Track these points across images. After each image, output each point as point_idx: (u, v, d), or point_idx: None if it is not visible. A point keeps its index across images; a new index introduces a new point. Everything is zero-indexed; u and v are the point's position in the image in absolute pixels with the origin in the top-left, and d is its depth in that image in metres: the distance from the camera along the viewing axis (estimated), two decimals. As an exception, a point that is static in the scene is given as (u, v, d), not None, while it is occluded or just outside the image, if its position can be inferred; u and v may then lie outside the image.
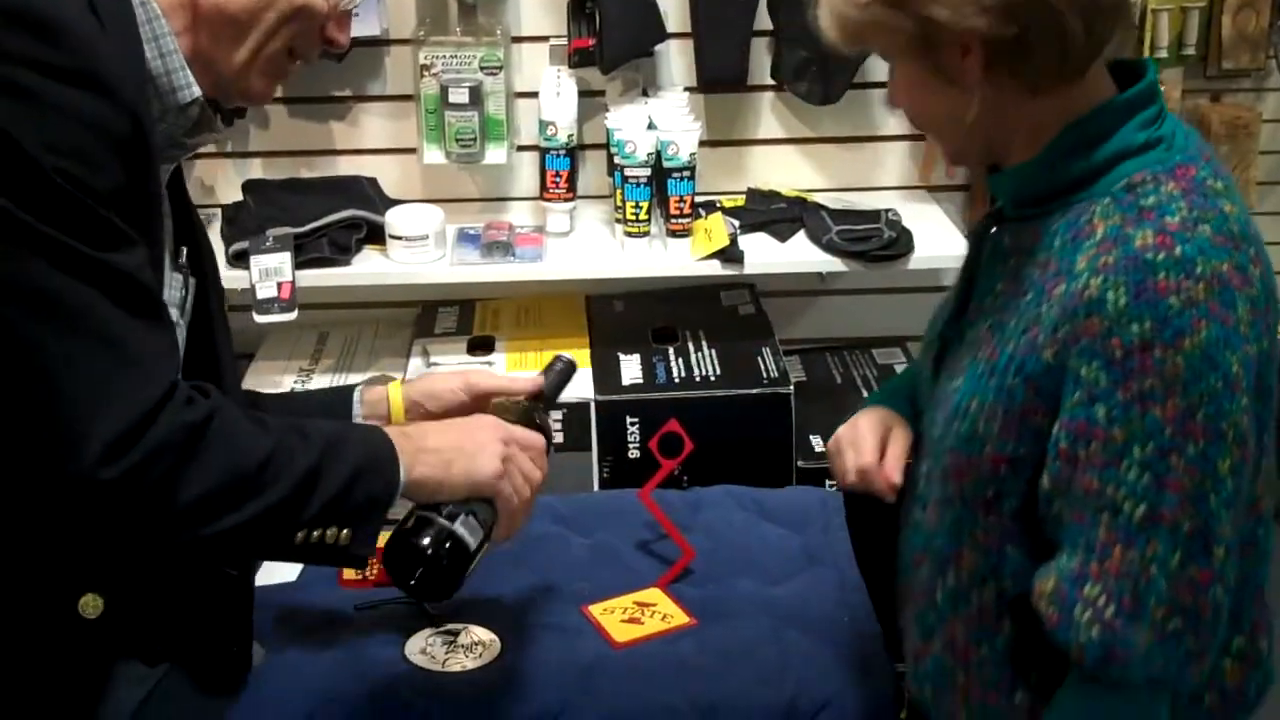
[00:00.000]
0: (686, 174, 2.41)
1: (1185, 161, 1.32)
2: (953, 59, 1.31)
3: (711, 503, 2.07)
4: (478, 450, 1.46)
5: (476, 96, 2.49)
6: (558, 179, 2.48)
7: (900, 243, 2.46)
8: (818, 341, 2.79)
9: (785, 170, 2.72)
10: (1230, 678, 1.39)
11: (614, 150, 2.43)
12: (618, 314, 2.68)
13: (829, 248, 2.47)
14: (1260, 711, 1.46)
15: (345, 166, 2.66)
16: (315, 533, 1.34)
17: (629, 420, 2.34)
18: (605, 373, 2.43)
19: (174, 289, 1.44)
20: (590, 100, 2.58)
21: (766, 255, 2.48)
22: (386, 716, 1.63)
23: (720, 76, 2.56)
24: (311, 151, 2.66)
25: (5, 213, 1.18)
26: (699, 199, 2.49)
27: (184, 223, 1.47)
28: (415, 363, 2.50)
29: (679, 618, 1.79)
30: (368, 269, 2.45)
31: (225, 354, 1.56)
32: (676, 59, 2.62)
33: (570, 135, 2.47)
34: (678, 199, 2.42)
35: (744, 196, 2.66)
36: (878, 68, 2.61)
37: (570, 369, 1.78)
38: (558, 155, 2.47)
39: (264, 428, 1.34)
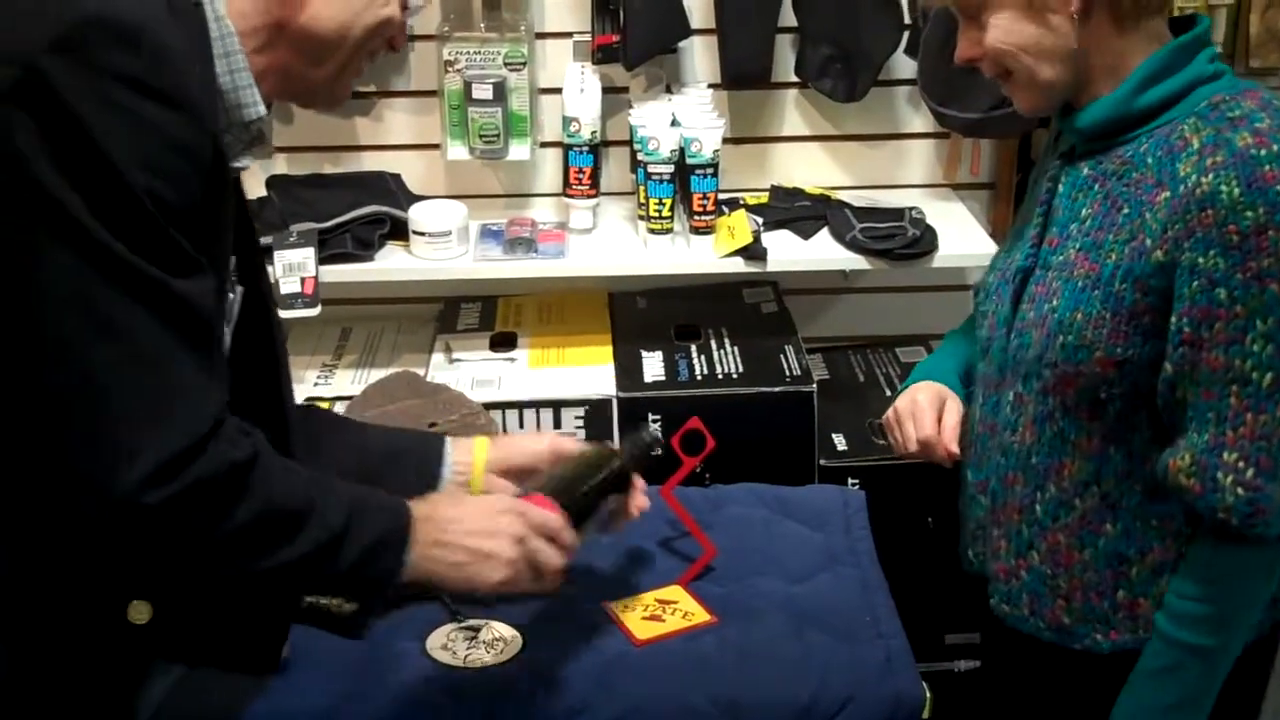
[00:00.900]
0: (710, 171, 2.41)
1: (1249, 86, 1.50)
2: None
3: (733, 500, 2.07)
4: (490, 554, 1.47)
5: (500, 92, 2.49)
6: (581, 175, 2.49)
7: (924, 241, 2.46)
8: (841, 340, 2.79)
9: (809, 167, 2.71)
10: None
11: (637, 147, 2.43)
12: (640, 311, 2.68)
13: (853, 245, 2.47)
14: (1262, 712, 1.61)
15: (369, 162, 2.67)
16: (322, 600, 1.36)
17: (651, 417, 2.34)
18: (627, 370, 2.43)
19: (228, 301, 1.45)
20: (614, 96, 2.59)
21: (790, 253, 2.48)
22: (408, 712, 1.64)
23: (744, 73, 2.55)
24: (335, 147, 2.67)
25: (82, 228, 1.18)
26: (722, 196, 2.49)
27: (239, 232, 1.47)
28: (437, 358, 2.50)
29: (700, 615, 1.79)
30: (391, 264, 2.45)
31: (281, 359, 1.56)
32: (700, 55, 2.61)
33: (594, 131, 2.47)
34: (701, 196, 2.42)
35: (767, 194, 2.66)
36: (902, 65, 2.60)
37: (654, 446, 1.78)
38: (581, 151, 2.47)
39: (300, 478, 1.35)
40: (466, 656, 1.72)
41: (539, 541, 1.51)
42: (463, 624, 1.78)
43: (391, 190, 2.56)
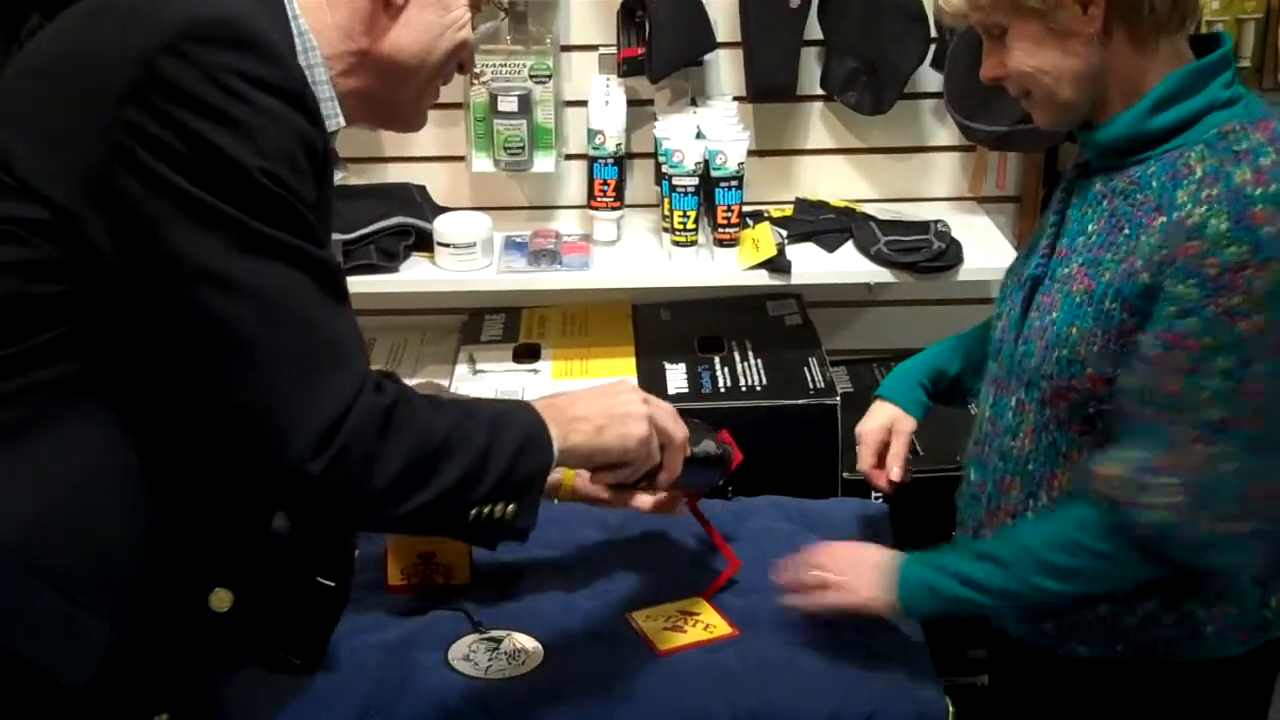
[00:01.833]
0: (734, 183, 2.41)
1: (1264, 116, 1.49)
2: (1073, 12, 1.47)
3: (756, 513, 2.07)
4: (626, 414, 1.53)
5: (525, 105, 2.50)
6: (605, 187, 2.49)
7: (949, 254, 2.45)
8: (865, 353, 2.78)
9: (834, 180, 2.71)
10: None
11: (662, 159, 2.44)
12: (664, 323, 2.68)
13: (877, 258, 2.47)
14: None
15: (394, 174, 2.68)
16: (486, 509, 1.39)
17: (674, 429, 2.34)
18: (651, 382, 2.43)
19: None
20: (639, 109, 2.59)
21: (814, 265, 2.48)
22: (429, 722, 1.64)
23: (769, 86, 2.56)
24: (361, 159, 2.68)
25: (220, 214, 1.22)
26: (747, 208, 2.49)
27: None
28: (461, 369, 2.51)
29: (721, 628, 1.79)
30: (415, 276, 2.46)
31: None
32: (726, 68, 2.62)
33: (618, 144, 2.47)
34: (725, 208, 2.42)
35: (792, 206, 2.66)
36: (927, 78, 2.60)
37: (723, 460, 1.82)
38: (605, 164, 2.48)
39: (440, 409, 1.39)
40: (488, 668, 1.72)
41: (661, 409, 1.58)
42: (484, 635, 1.78)
43: (417, 202, 2.57)
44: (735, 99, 2.59)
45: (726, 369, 2.47)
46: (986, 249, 2.51)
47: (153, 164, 1.21)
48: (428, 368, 2.58)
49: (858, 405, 2.51)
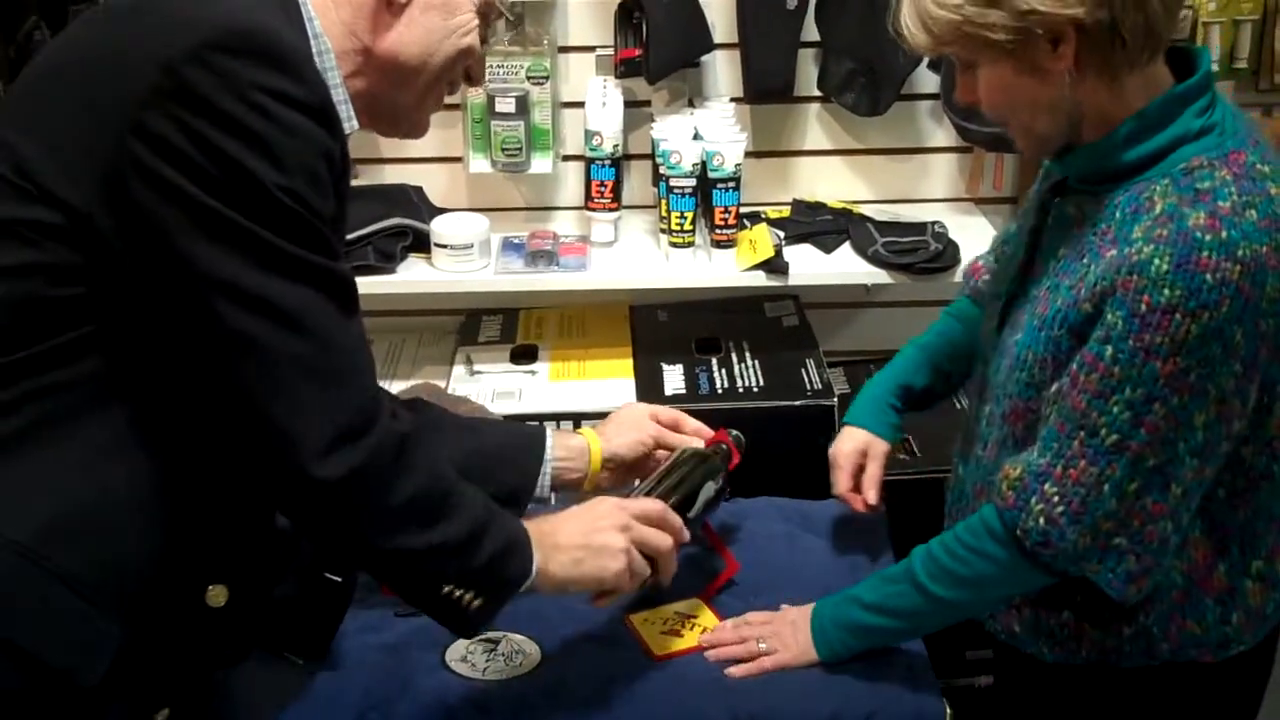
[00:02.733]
0: (732, 184, 2.41)
1: (1236, 147, 1.46)
2: (1043, 50, 1.42)
3: (755, 515, 2.07)
4: (603, 547, 1.54)
5: (523, 106, 2.50)
6: (603, 189, 2.49)
7: (946, 255, 2.45)
8: (862, 354, 2.78)
9: (831, 181, 2.71)
10: (1253, 598, 1.58)
11: (659, 160, 2.44)
12: (661, 324, 2.68)
13: (874, 259, 2.46)
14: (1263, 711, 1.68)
15: (392, 175, 2.68)
16: (459, 592, 1.40)
17: (672, 431, 2.34)
18: (648, 383, 2.43)
19: None
20: (636, 110, 2.59)
21: (811, 266, 2.48)
22: (427, 724, 1.64)
23: (766, 87, 2.55)
24: (358, 160, 2.67)
25: (237, 227, 1.23)
26: (744, 210, 2.49)
27: None
28: (458, 370, 2.51)
29: (720, 630, 1.78)
30: (413, 277, 2.46)
31: None
32: (723, 69, 2.62)
33: (616, 145, 2.47)
34: (723, 209, 2.42)
35: (789, 207, 2.66)
36: (925, 79, 2.60)
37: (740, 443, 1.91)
38: (603, 165, 2.47)
39: (446, 463, 1.41)
40: (485, 669, 1.72)
41: (644, 527, 1.57)
42: (482, 636, 1.78)
43: (414, 203, 2.57)
44: (732, 100, 2.58)
45: (724, 370, 2.47)
46: (984, 249, 2.50)
47: (168, 172, 1.21)
48: (425, 369, 2.58)
49: (855, 406, 2.53)
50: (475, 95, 2.51)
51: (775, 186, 2.70)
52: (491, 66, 2.50)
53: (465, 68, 1.49)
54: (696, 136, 2.43)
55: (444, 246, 2.43)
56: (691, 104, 2.60)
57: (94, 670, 1.31)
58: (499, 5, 1.52)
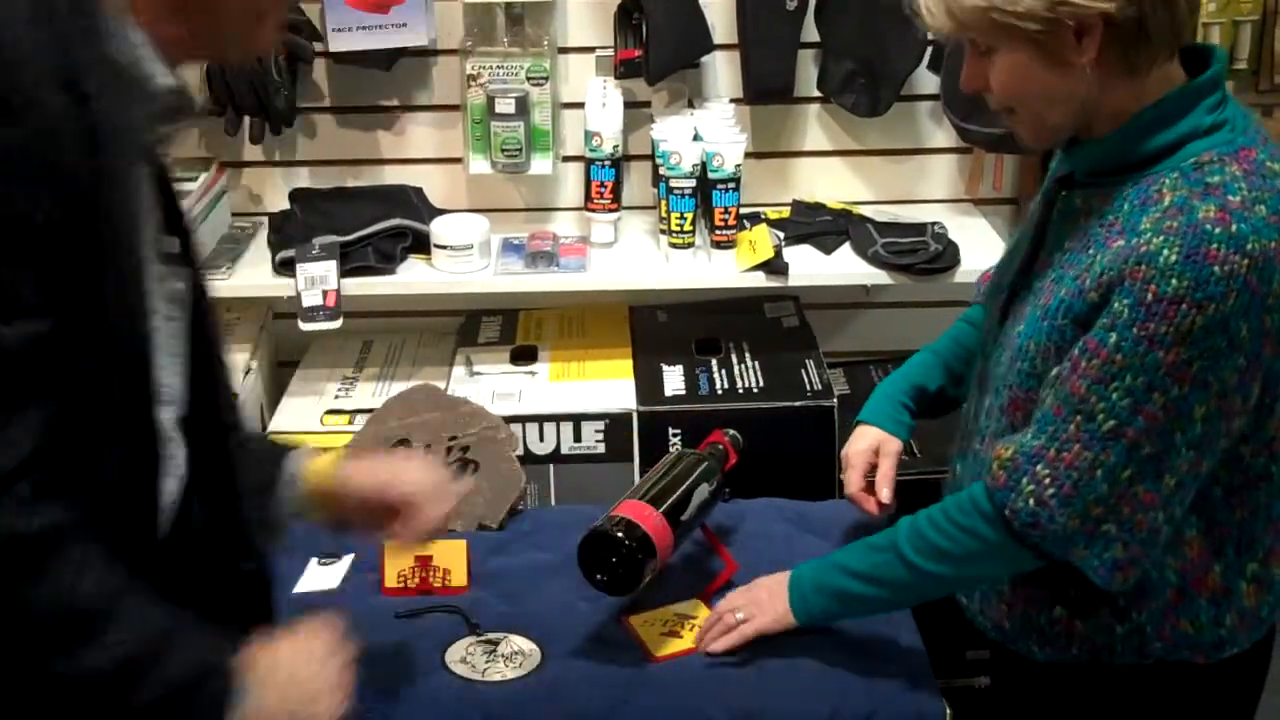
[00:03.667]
0: (731, 185, 2.40)
1: (1247, 144, 1.47)
2: (1068, 42, 1.43)
3: (754, 515, 2.07)
4: (318, 695, 1.31)
5: (523, 107, 2.50)
6: (602, 189, 2.49)
7: (946, 256, 2.45)
8: (862, 354, 2.78)
9: (831, 182, 2.71)
10: (1247, 599, 1.57)
11: (659, 161, 2.43)
12: (661, 325, 2.68)
13: (874, 260, 2.46)
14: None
15: (391, 176, 2.68)
16: None
17: (671, 432, 2.34)
18: (648, 384, 2.43)
19: (166, 282, 1.31)
20: (636, 111, 2.59)
21: (811, 267, 2.48)
22: (426, 725, 1.64)
23: (766, 88, 2.55)
24: (358, 161, 2.68)
25: None
26: (744, 210, 2.48)
27: (172, 215, 1.34)
28: (458, 371, 2.51)
29: (720, 630, 1.78)
30: (412, 278, 2.46)
31: (216, 350, 1.43)
32: (723, 70, 2.61)
33: (615, 146, 2.47)
34: (722, 210, 2.42)
35: (789, 208, 2.66)
36: (924, 80, 2.60)
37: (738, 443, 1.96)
38: (603, 166, 2.47)
39: (113, 570, 1.19)
40: (485, 670, 1.72)
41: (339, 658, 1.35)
42: (482, 637, 1.78)
43: (414, 204, 2.57)
44: (732, 101, 2.58)
45: (724, 371, 2.47)
46: (983, 250, 2.50)
47: None
48: (425, 370, 2.58)
49: (855, 407, 2.50)
50: (475, 96, 2.50)
51: (775, 187, 2.70)
52: (491, 67, 2.50)
53: None
54: (696, 137, 2.43)
55: (444, 247, 2.43)
56: (691, 105, 2.59)
57: None
58: None
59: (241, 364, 2.43)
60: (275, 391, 2.57)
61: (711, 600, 1.84)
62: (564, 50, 2.58)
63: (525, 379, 2.48)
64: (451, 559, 1.92)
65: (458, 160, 2.60)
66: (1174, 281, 1.38)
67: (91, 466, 1.20)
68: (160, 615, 1.22)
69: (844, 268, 2.49)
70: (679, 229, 2.42)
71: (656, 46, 2.45)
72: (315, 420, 2.40)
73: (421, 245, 2.47)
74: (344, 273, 2.39)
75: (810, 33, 2.55)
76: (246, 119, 2.50)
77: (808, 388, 2.40)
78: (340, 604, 1.86)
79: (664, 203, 2.43)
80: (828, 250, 2.52)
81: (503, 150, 2.51)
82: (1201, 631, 1.57)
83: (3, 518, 1.11)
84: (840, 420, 2.35)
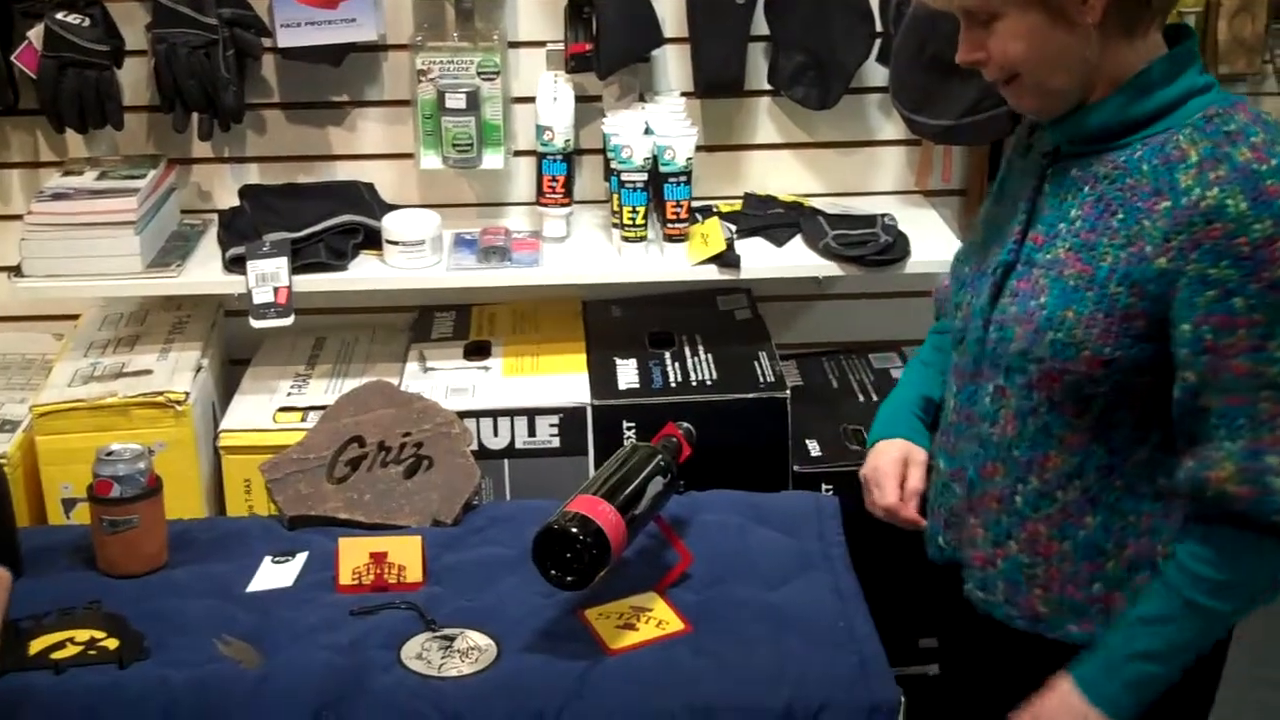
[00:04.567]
0: (683, 179, 2.41)
1: (1239, 99, 1.53)
2: (1073, 4, 1.48)
3: (708, 507, 2.08)
4: None
5: (473, 102, 2.49)
6: (554, 184, 2.48)
7: (896, 247, 2.46)
8: (814, 346, 2.79)
9: (782, 175, 2.72)
10: None
11: (611, 155, 2.44)
12: (614, 319, 2.68)
13: (825, 252, 2.47)
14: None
15: (342, 171, 2.67)
16: None
17: (625, 425, 2.34)
18: (601, 377, 2.43)
19: None
20: (587, 105, 2.59)
21: (763, 260, 2.48)
22: (383, 721, 1.64)
23: (717, 81, 2.56)
24: (309, 157, 2.66)
25: None
26: (696, 203, 2.49)
27: None
28: (411, 367, 2.50)
29: (674, 624, 1.79)
30: (364, 274, 2.45)
31: None
32: (673, 64, 2.62)
33: (567, 140, 2.47)
34: (674, 204, 2.42)
35: (741, 201, 2.66)
36: (873, 73, 2.61)
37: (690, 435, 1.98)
38: (554, 160, 2.47)
39: None
40: (441, 666, 1.72)
41: None
42: (437, 633, 1.78)
43: (365, 200, 2.56)
44: (683, 94, 2.58)
45: (677, 364, 2.47)
46: (934, 241, 2.52)
47: None
48: (378, 366, 2.57)
49: (808, 398, 2.54)
50: (426, 91, 2.50)
51: (727, 180, 2.71)
52: (441, 62, 2.49)
53: None
54: (648, 131, 2.44)
55: (396, 243, 2.42)
56: (642, 98, 2.60)
57: None
58: None
59: (192, 362, 2.42)
60: (227, 390, 2.55)
61: (666, 592, 1.85)
62: (514, 45, 2.58)
63: (479, 374, 2.47)
64: (406, 555, 1.92)
65: (409, 156, 2.59)
66: (1257, 226, 1.42)
67: None
68: None
69: (796, 260, 2.50)
70: (631, 223, 2.43)
71: (607, 40, 2.45)
72: (267, 418, 2.39)
73: (373, 241, 2.46)
74: (295, 269, 2.38)
75: (760, 26, 2.56)
76: (195, 115, 2.48)
77: (761, 380, 2.41)
78: (295, 602, 1.86)
79: (616, 196, 2.43)
80: (779, 243, 2.53)
81: (454, 145, 2.51)
82: None
83: None
84: (793, 412, 2.36)
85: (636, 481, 1.80)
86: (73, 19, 2.39)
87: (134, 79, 2.53)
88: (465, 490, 2.12)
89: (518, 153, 2.62)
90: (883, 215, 2.55)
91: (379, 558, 1.90)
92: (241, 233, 2.44)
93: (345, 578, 1.90)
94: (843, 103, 2.59)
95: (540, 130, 2.46)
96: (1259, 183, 1.42)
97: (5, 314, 2.68)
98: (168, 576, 1.94)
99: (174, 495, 2.06)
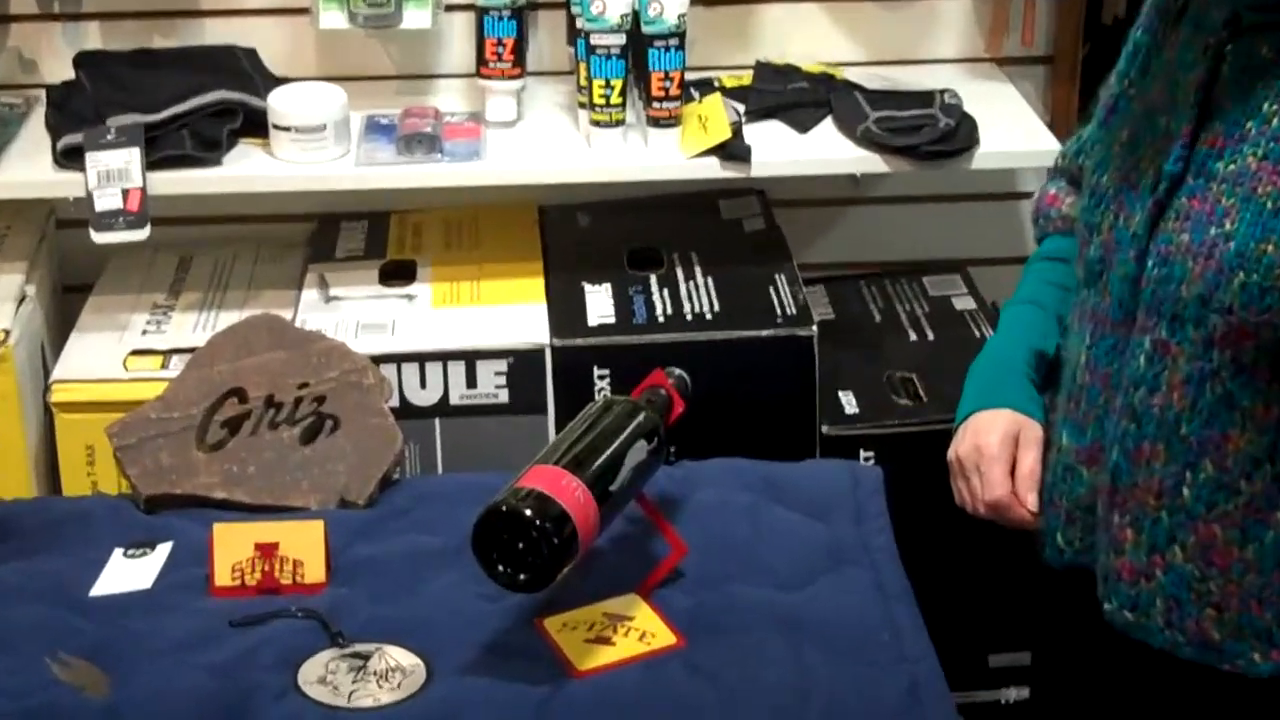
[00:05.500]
0: (674, 43, 2.40)
1: None
2: None
3: (708, 482, 2.09)
4: None
5: (390, -63, 2.49)
6: (500, 49, 2.48)
7: (960, 134, 2.47)
8: (850, 266, 2.80)
9: (806, 37, 2.72)
10: None
11: (576, 10, 2.43)
12: (582, 230, 2.68)
13: (865, 140, 2.48)
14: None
15: (214, 34, 2.66)
16: None
17: (597, 373, 2.35)
18: (565, 310, 2.43)
19: None
20: (544, -58, 2.59)
21: (781, 151, 2.49)
22: (274, 767, 1.65)
23: (719, -90, 2.55)
24: (168, 13, 2.65)
25: None
26: (691, 76, 2.49)
27: None
28: (309, 296, 2.50)
29: (663, 636, 1.80)
30: (245, 171, 2.45)
31: None
32: (660, -114, 2.61)
33: (517, -11, 2.46)
34: (662, 76, 2.42)
35: (751, 73, 2.66)
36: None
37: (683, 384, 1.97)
38: (500, 17, 2.46)
39: None
40: (352, 693, 1.73)
41: None
42: (347, 650, 1.79)
43: (245, 71, 2.56)
44: (673, -72, 2.58)
45: (666, 291, 2.48)
46: (1009, 127, 2.53)
47: None
48: (265, 295, 2.57)
49: (841, 337, 2.55)
50: (325, -77, 2.48)
51: (732, 45, 2.71)
52: (347, -116, 2.48)
53: None
54: (626, -23, 2.43)
55: (286, 129, 2.42)
56: (619, -67, 2.59)
57: None
58: None
59: (14, 290, 2.41)
60: (61, 326, 2.55)
61: (651, 595, 1.86)
62: None
63: (400, 305, 2.48)
64: (304, 547, 1.92)
65: (304, 11, 2.58)
66: None
67: None
68: None
69: (825, 151, 2.50)
70: (604, 102, 2.42)
71: None
72: (116, 364, 2.39)
73: (256, 127, 2.46)
74: (151, 165, 2.37)
75: None
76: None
77: (778, 312, 2.42)
78: (157, 610, 1.86)
79: (583, 66, 2.43)
80: (803, 128, 2.53)
81: (364, -3, 2.50)
82: None
83: None
84: (821, 354, 2.37)
85: (612, 448, 1.81)
86: None
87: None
88: (382, 461, 2.13)
89: (449, 7, 2.61)
90: (942, 91, 2.55)
91: (267, 550, 1.91)
92: (79, 116, 2.43)
93: (223, 577, 1.91)
94: (888, -62, 2.60)
95: (481, -24, 2.45)
96: None
97: None
98: (-16, 576, 1.95)
99: (-10, 468, 2.07)
